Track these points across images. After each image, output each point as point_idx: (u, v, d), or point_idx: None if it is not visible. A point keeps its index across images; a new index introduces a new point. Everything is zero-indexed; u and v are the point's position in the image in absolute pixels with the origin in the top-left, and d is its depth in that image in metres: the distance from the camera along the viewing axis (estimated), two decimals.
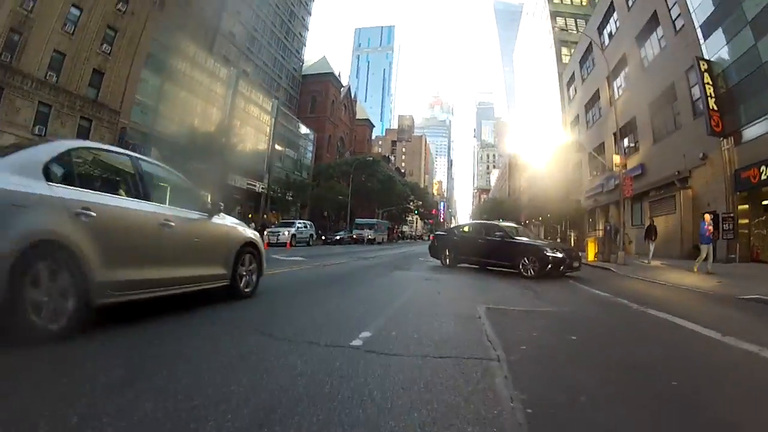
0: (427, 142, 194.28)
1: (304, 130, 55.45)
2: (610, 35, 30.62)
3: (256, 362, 2.89)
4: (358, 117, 77.92)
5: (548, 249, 10.88)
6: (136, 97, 30.49)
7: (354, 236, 41.00)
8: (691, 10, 20.61)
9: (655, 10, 23.69)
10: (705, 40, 19.77)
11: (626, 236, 23.09)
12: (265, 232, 27.05)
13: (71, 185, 3.33)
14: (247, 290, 5.51)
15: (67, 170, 3.43)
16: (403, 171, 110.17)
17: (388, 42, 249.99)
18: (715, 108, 17.83)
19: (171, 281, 4.23)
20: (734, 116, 17.41)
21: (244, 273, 5.47)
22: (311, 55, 67.62)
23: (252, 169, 39.91)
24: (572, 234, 29.58)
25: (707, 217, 12.92)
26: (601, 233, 29.27)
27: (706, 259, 12.39)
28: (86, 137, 26.55)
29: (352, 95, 78.22)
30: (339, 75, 69.21)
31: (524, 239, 11.97)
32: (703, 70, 18.64)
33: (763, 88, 15.81)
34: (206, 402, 2.11)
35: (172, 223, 4.19)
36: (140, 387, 2.28)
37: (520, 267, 10.81)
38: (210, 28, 41.53)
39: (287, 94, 59.20)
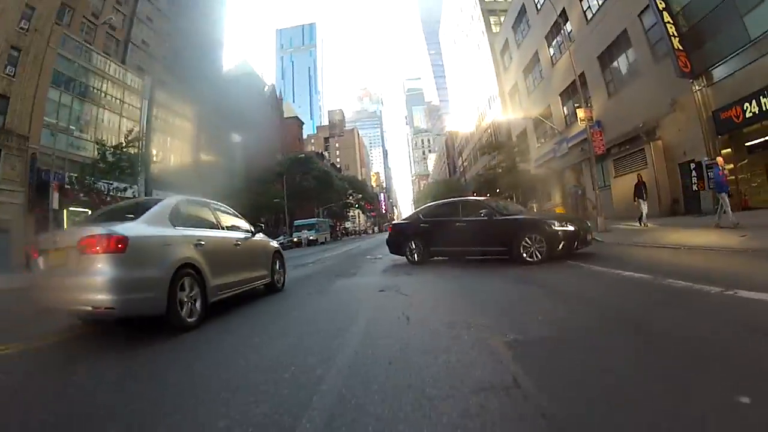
0: (360, 134, 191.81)
1: (230, 134, 50.89)
2: None
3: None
4: (286, 116, 73.46)
5: (555, 222, 8.33)
6: (44, 119, 25.90)
7: (294, 239, 37.77)
8: None
9: None
10: None
11: (589, 201, 21.60)
12: None
13: (183, 226, 5.16)
14: (279, 285, 7.54)
15: (179, 217, 5.23)
16: (338, 166, 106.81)
17: (310, 40, 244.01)
18: (681, 48, 16.18)
19: (241, 282, 6.08)
20: (702, 55, 15.77)
21: (277, 273, 7.48)
22: (232, 61, 62.42)
23: (178, 183, 35.54)
24: (533, 206, 27.85)
25: (720, 160, 10.87)
26: (560, 200, 27.88)
27: (723, 210, 10.35)
28: None
29: (278, 94, 73.77)
30: (262, 75, 64.71)
31: (520, 215, 9.31)
32: (661, 8, 16.97)
33: (732, 21, 14.23)
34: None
35: (239, 243, 6.21)
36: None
37: (521, 250, 8.14)
38: (120, 37, 36.25)
39: (209, 99, 54.04)
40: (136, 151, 26.13)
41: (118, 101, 32.92)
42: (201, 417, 2.31)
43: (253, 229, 6.93)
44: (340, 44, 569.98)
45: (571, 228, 8.21)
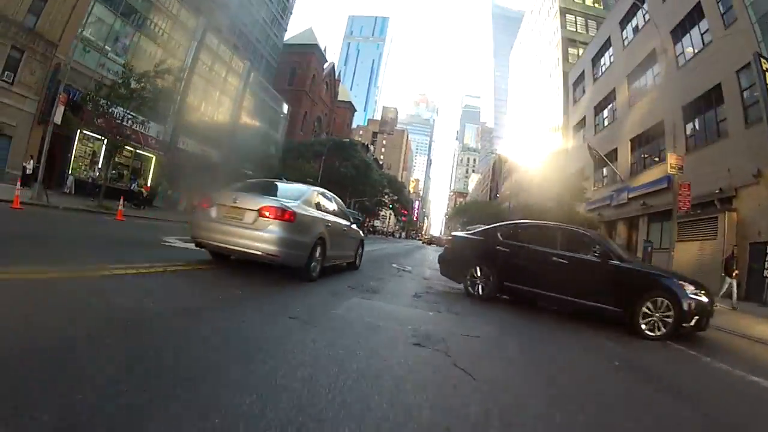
0: (409, 138, 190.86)
1: (279, 102, 50.17)
2: (636, 29, 27.04)
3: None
4: (340, 98, 72.54)
5: (689, 285, 6.27)
6: (80, 30, 24.92)
7: None
8: (747, 3, 17.33)
9: (699, 2, 20.29)
10: (765, 36, 16.47)
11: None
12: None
13: (319, 210, 7.21)
14: (357, 265, 9.84)
15: (318, 203, 7.33)
16: (381, 163, 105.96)
17: (380, 33, 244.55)
18: None
19: (341, 257, 8.41)
20: None
21: (358, 256, 9.85)
22: (297, 29, 62.21)
23: (208, 137, 34.65)
24: None
25: None
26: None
27: None
28: (14, 71, 22.03)
29: (336, 74, 73.01)
30: (325, 50, 64.06)
31: (641, 265, 7.50)
32: (764, 68, 15.20)
33: None
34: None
35: (346, 228, 8.38)
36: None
37: (640, 318, 6.12)
38: None
39: (263, 60, 53.71)
40: (166, 84, 23.62)
41: (165, 34, 30.86)
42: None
43: (351, 219, 9.08)
44: (407, 45, 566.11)
45: (705, 299, 6.21)
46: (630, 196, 24.00)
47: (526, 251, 7.44)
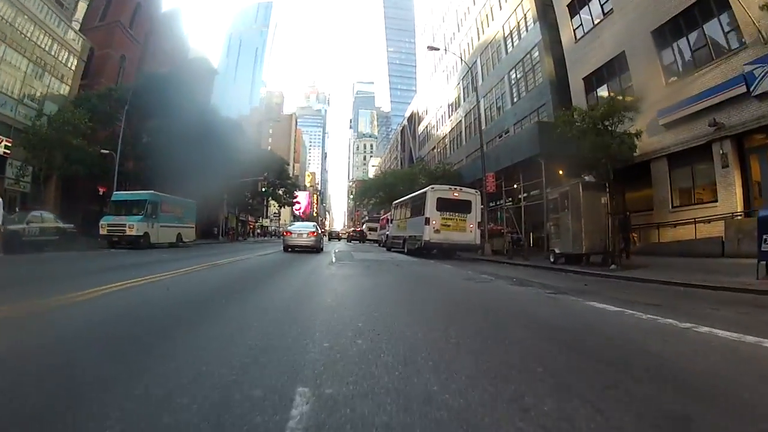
0: (301, 131, 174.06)
1: (72, 36, 32.15)
2: None
3: None
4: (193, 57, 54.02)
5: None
6: None
7: (105, 231, 19.84)
8: None
9: None
10: None
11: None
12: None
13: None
14: (321, 249, 20.82)
15: None
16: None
17: (264, 20, 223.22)
18: None
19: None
20: None
21: (322, 243, 23.26)
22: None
23: None
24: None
25: None
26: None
27: None
28: None
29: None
30: None
31: None
32: None
33: None
34: None
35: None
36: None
37: None
38: None
39: None
40: None
41: None
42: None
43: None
44: (294, 32, 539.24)
45: None
46: None
47: None
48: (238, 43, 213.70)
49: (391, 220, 27.02)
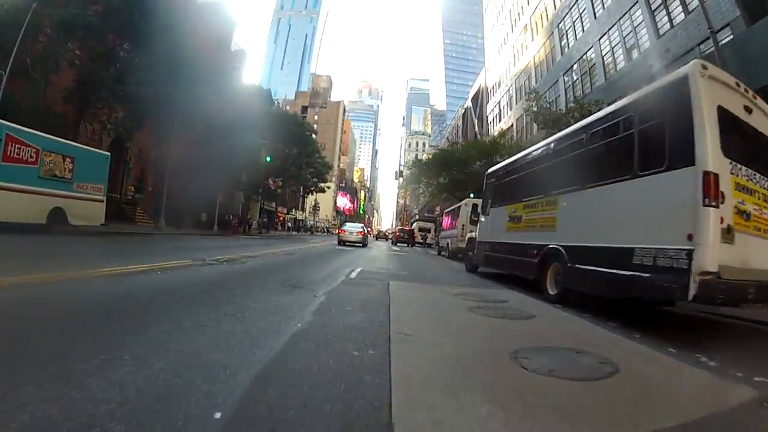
0: (351, 124, 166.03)
1: None
2: None
3: None
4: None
5: None
6: None
7: None
8: None
9: None
10: None
11: None
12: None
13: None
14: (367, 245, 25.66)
15: None
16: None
17: (314, 5, 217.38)
18: None
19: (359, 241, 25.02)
20: None
21: (367, 240, 27.46)
22: None
23: None
24: None
25: None
26: None
27: None
28: None
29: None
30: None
31: None
32: None
33: None
34: None
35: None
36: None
37: None
38: None
39: None
40: None
41: None
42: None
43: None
44: (347, 20, 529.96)
45: None
46: None
47: None
48: (286, 29, 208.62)
49: (481, 214, 12.28)
